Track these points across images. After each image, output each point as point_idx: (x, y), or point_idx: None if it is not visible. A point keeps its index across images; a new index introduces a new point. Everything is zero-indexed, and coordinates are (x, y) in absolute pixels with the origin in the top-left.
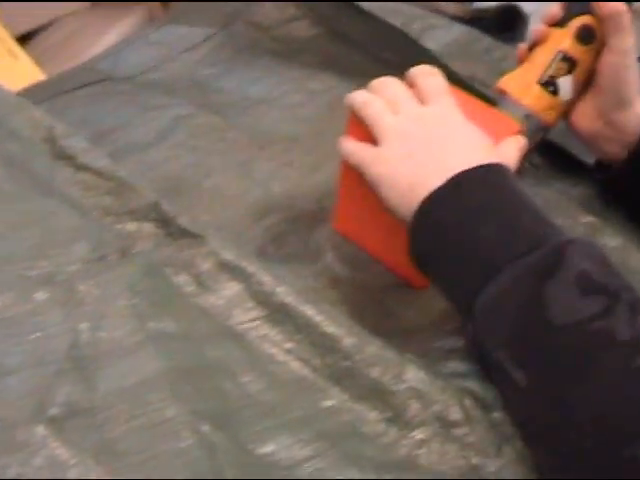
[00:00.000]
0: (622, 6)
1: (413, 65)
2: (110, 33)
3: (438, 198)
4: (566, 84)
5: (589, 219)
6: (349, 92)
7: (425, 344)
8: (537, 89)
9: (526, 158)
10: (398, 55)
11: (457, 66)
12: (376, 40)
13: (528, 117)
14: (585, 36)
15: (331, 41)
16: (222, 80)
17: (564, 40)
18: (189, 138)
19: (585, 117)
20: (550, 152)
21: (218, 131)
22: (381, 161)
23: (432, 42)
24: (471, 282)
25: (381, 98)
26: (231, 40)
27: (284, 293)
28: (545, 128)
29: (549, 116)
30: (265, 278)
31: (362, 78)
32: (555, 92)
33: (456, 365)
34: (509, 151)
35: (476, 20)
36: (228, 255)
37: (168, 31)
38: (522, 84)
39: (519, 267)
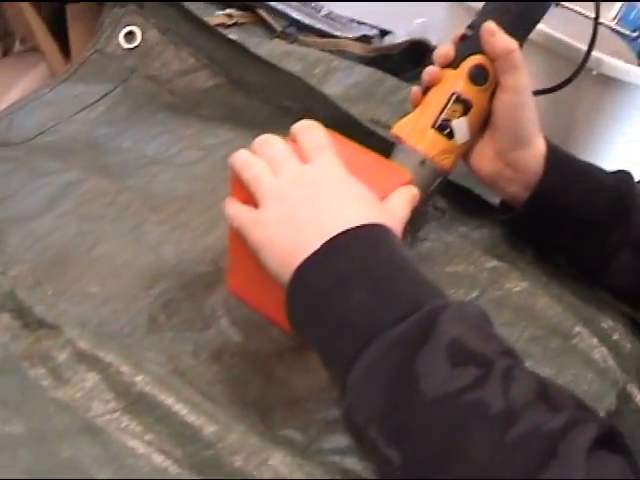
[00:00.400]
0: (512, 43)
1: (315, 112)
2: (9, 92)
3: (312, 264)
4: (462, 126)
5: (493, 264)
6: (246, 145)
7: (309, 415)
8: (431, 134)
9: (425, 204)
10: (299, 102)
11: (360, 110)
12: (276, 88)
13: (424, 163)
14: (478, 76)
15: (231, 91)
16: (118, 139)
17: (457, 81)
18: (79, 205)
19: (484, 158)
20: (456, 194)
21: (109, 195)
22: (260, 226)
23: (335, 86)
24: (344, 354)
25: (262, 158)
26: (129, 96)
27: (143, 382)
28: (442, 173)
29: (446, 160)
30: (124, 367)
31: (263, 128)
32: (450, 135)
33: (338, 440)
34: (397, 204)
35: (384, 58)
36: (85, 344)
37: (64, 90)
38: (416, 129)
39: (390, 337)
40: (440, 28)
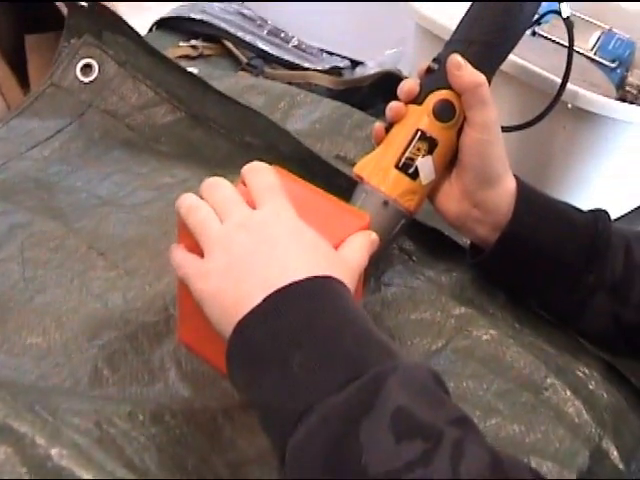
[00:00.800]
0: (480, 77)
1: (278, 148)
2: None
3: (252, 320)
4: (426, 166)
5: (461, 310)
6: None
7: None
8: (395, 174)
9: (389, 247)
10: (261, 138)
11: (325, 146)
12: (238, 124)
13: (386, 204)
14: (443, 112)
15: (191, 127)
16: (71, 178)
17: (422, 118)
18: (23, 250)
19: (450, 198)
20: (424, 235)
21: (56, 239)
22: (204, 276)
23: (299, 121)
24: (283, 421)
25: (209, 202)
26: (84, 131)
27: (59, 455)
28: (407, 215)
29: (410, 202)
30: (39, 440)
31: (223, 165)
32: (415, 175)
33: None
34: (353, 251)
35: (353, 91)
36: None
37: (17, 125)
38: (379, 168)
39: (331, 404)
40: (411, 58)
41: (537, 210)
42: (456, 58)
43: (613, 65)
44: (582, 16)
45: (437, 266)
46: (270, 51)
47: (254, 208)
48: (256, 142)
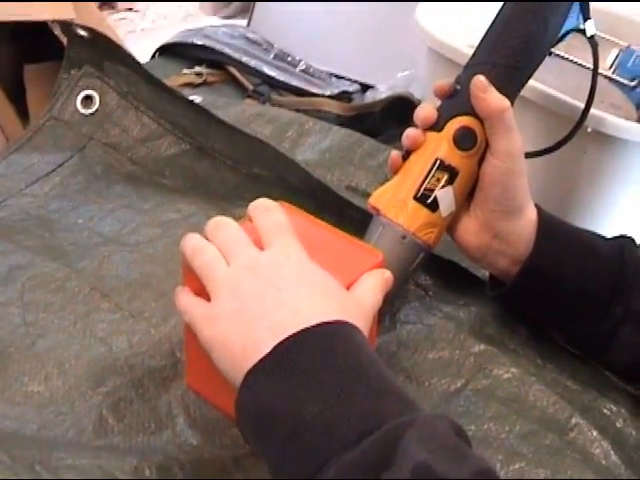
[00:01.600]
0: (505, 102)
1: (287, 179)
2: None
3: (261, 370)
4: (447, 197)
5: (480, 348)
6: (209, 218)
7: None
8: (413, 205)
9: (406, 283)
10: (269, 170)
11: (336, 176)
12: (245, 155)
13: (404, 238)
14: (464, 140)
15: (196, 159)
16: (72, 215)
17: (441, 146)
18: (23, 292)
19: (470, 230)
20: (439, 268)
21: (57, 280)
22: (211, 322)
23: (309, 150)
24: (297, 476)
25: (215, 243)
26: (85, 166)
27: None
28: (425, 248)
29: (429, 235)
30: None
31: (230, 198)
32: (434, 207)
33: None
34: (366, 291)
35: (364, 116)
36: None
37: (16, 161)
38: (396, 200)
39: (348, 460)
40: (424, 81)
41: (559, 241)
42: (481, 80)
43: (633, 84)
44: (599, 33)
45: (455, 301)
46: (276, 76)
47: (262, 248)
48: (264, 173)
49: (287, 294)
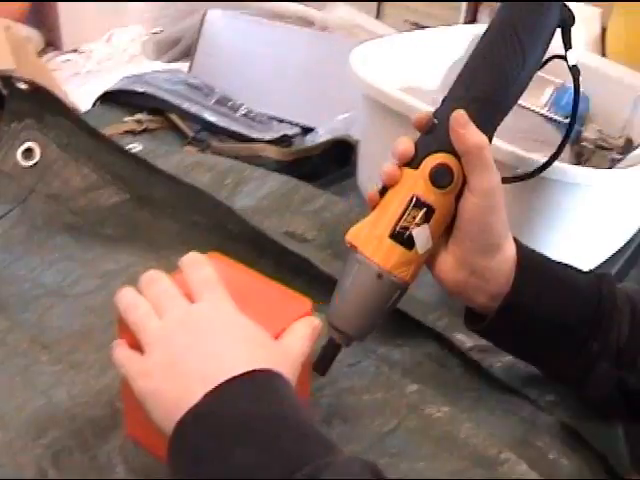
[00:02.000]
0: (484, 139)
1: (226, 227)
2: None
3: (191, 419)
4: (423, 235)
5: (413, 388)
6: (150, 268)
7: None
8: (389, 243)
9: (382, 320)
10: (208, 217)
11: (273, 222)
12: (184, 203)
13: (380, 277)
14: (441, 178)
15: (137, 208)
16: (13, 267)
17: (417, 183)
18: None
19: (448, 266)
20: None
21: None
22: (145, 374)
23: (247, 197)
24: None
25: (148, 298)
26: (26, 217)
27: None
28: (402, 286)
29: (405, 272)
30: None
31: (170, 246)
32: (410, 245)
33: None
34: (294, 339)
35: (304, 160)
36: None
37: None
38: (372, 237)
39: None
40: (361, 125)
41: (538, 277)
42: (462, 114)
43: (567, 121)
44: None
45: (389, 342)
46: (217, 122)
47: (192, 300)
48: (203, 221)
49: (215, 346)
